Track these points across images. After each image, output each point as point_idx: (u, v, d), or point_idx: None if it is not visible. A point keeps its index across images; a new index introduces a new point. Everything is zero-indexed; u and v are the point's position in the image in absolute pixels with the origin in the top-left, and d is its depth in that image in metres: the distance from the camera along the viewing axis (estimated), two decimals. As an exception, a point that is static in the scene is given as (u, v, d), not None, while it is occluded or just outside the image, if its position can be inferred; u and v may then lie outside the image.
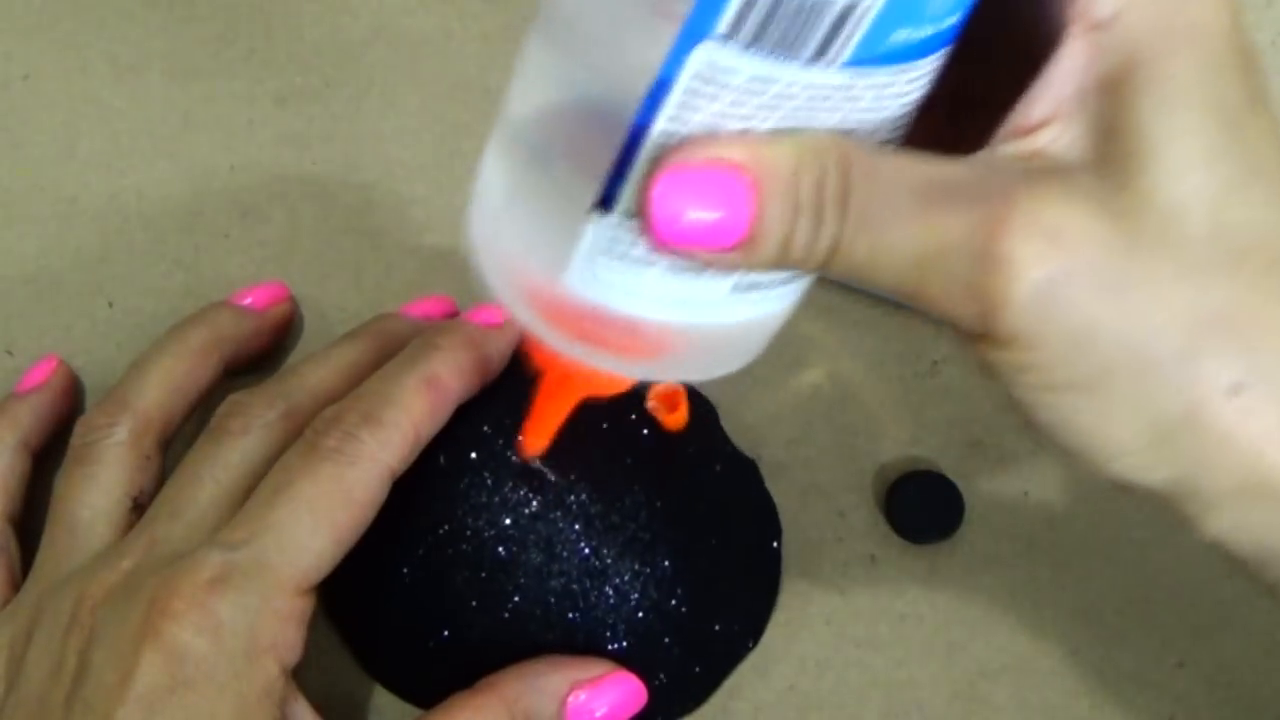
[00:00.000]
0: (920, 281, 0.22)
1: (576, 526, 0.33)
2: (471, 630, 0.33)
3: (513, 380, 0.35)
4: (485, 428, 0.31)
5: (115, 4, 0.43)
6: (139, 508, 0.33)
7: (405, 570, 0.33)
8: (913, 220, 0.22)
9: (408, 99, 0.42)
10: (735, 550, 0.36)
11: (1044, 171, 0.22)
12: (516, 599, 0.33)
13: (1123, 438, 0.23)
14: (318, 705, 0.31)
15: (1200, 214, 0.21)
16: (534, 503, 0.33)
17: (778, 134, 0.22)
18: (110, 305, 0.40)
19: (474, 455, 0.33)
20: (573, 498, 0.33)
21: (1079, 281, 0.22)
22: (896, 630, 0.36)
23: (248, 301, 0.38)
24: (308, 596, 0.30)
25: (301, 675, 0.31)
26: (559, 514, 0.33)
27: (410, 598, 0.34)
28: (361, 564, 0.35)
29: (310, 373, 0.34)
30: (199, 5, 0.43)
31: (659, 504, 0.34)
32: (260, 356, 0.38)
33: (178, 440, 0.35)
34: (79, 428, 0.35)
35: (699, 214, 0.22)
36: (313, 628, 0.33)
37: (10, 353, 0.39)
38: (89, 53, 0.43)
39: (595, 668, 0.33)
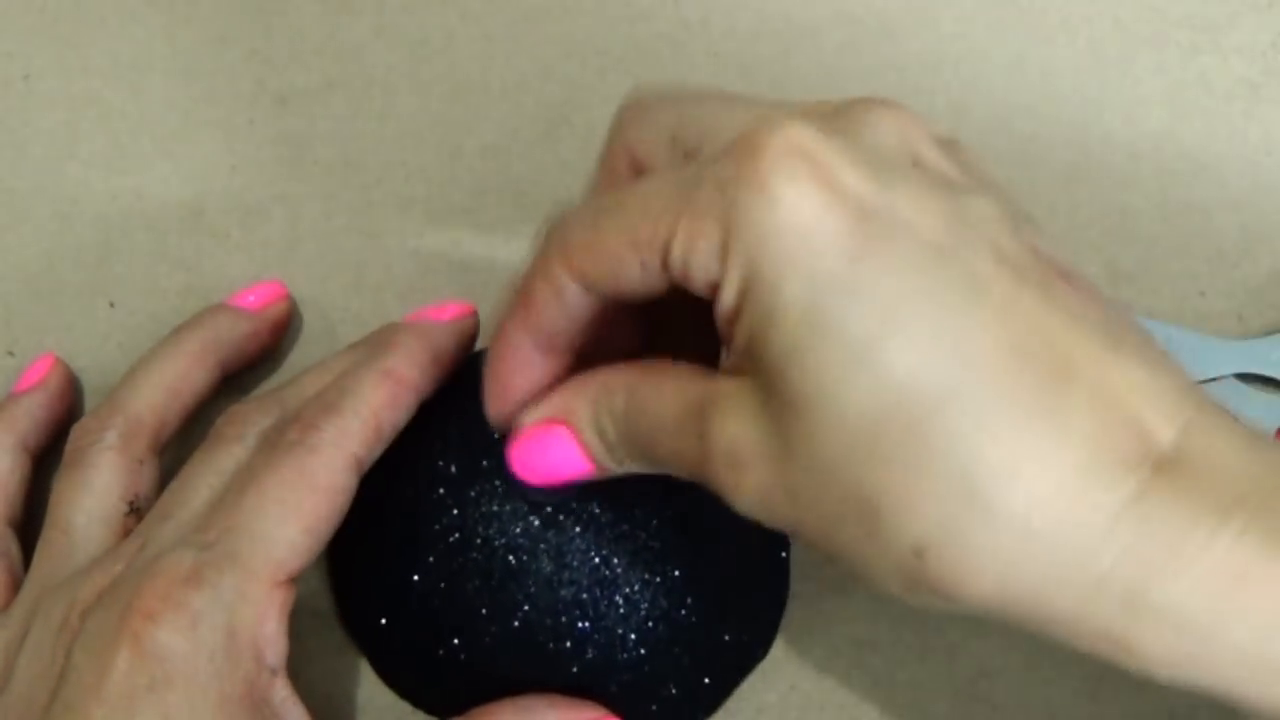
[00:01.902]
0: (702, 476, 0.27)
1: (587, 535, 0.33)
2: (481, 638, 0.33)
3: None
4: (497, 435, 0.31)
5: (116, 3, 0.43)
6: (136, 512, 0.33)
7: (416, 578, 0.33)
8: (669, 440, 0.27)
9: (408, 99, 0.42)
10: (745, 560, 0.36)
11: (723, 395, 0.26)
12: (526, 608, 0.33)
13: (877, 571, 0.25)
14: (318, 705, 0.31)
15: (824, 407, 0.24)
16: (544, 511, 0.33)
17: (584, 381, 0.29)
18: (112, 306, 0.40)
19: (485, 463, 0.33)
20: (583, 506, 0.33)
21: (765, 493, 0.26)
22: (897, 630, 0.36)
23: (244, 302, 0.38)
24: (286, 588, 0.30)
25: (302, 675, 0.31)
26: (569, 522, 0.33)
27: (420, 605, 0.34)
28: (372, 571, 0.35)
29: (310, 383, 0.34)
30: (199, 5, 0.43)
31: (669, 513, 0.34)
32: (259, 356, 0.38)
33: (181, 450, 0.35)
34: (73, 433, 0.35)
35: (546, 460, 0.30)
36: (313, 629, 0.33)
37: (11, 354, 0.39)
38: (89, 52, 0.43)
39: (588, 710, 0.33)
